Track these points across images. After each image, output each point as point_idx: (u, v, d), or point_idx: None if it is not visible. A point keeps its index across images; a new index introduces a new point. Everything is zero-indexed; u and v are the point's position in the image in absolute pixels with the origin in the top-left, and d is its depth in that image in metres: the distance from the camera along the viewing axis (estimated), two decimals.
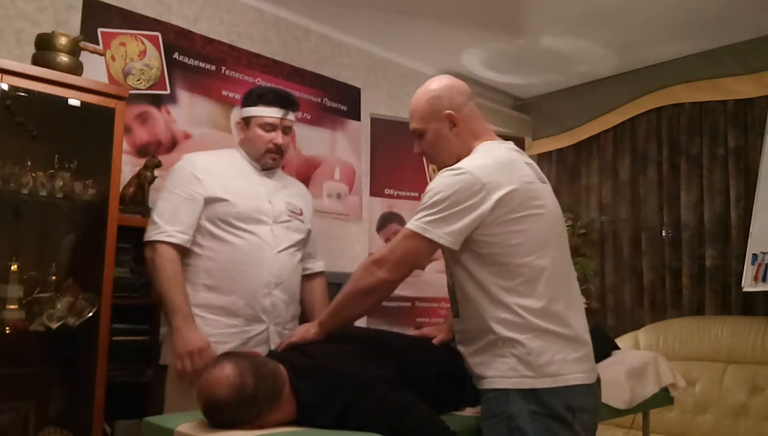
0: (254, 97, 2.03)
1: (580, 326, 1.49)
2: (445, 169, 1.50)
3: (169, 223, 1.89)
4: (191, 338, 1.78)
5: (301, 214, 2.10)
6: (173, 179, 1.96)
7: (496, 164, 1.48)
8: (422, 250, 1.46)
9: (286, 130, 2.05)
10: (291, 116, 2.06)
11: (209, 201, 1.93)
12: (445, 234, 1.42)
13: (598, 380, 1.54)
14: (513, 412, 1.38)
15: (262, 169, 2.06)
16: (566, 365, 1.41)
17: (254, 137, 2.02)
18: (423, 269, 2.94)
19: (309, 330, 1.65)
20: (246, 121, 2.04)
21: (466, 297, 1.49)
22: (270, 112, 2.01)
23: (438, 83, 1.61)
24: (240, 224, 1.92)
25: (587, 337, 1.51)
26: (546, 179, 1.63)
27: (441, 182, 1.46)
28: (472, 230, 1.42)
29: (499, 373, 1.42)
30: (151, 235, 1.89)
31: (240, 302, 1.88)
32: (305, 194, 2.24)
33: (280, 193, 2.06)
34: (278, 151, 2.04)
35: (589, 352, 1.49)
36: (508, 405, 1.39)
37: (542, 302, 1.42)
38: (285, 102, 2.04)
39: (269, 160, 2.04)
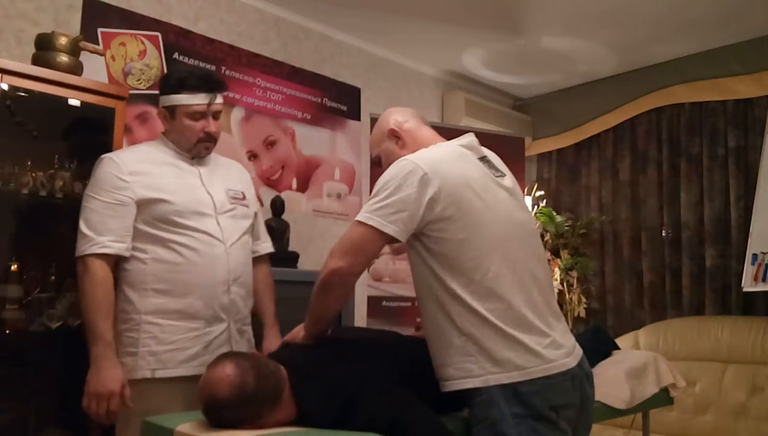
0: (174, 83, 1.82)
1: (546, 317, 1.47)
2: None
3: (100, 233, 1.71)
4: (106, 378, 1.63)
5: (243, 198, 1.95)
6: (96, 184, 1.77)
7: (438, 156, 1.51)
8: (368, 238, 1.45)
9: (216, 115, 1.86)
10: (219, 99, 1.86)
11: (142, 203, 1.75)
12: (389, 222, 1.42)
13: (588, 374, 1.52)
14: (496, 417, 1.37)
15: (192, 158, 1.90)
16: (533, 356, 1.39)
17: (182, 128, 1.83)
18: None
19: (299, 332, 1.65)
20: (170, 111, 1.84)
21: (425, 295, 1.49)
22: (196, 100, 1.80)
23: (383, 114, 1.75)
24: (183, 221, 1.76)
25: (554, 323, 1.49)
26: (504, 174, 1.62)
27: (386, 173, 1.49)
28: (419, 221, 1.43)
29: (464, 373, 1.41)
30: (83, 248, 1.71)
31: (198, 303, 1.75)
32: (243, 174, 2.06)
33: (216, 181, 1.90)
34: (211, 139, 1.87)
35: (557, 338, 1.46)
36: (491, 410, 1.38)
37: (499, 299, 1.41)
38: (211, 85, 1.84)
39: (202, 150, 1.88)
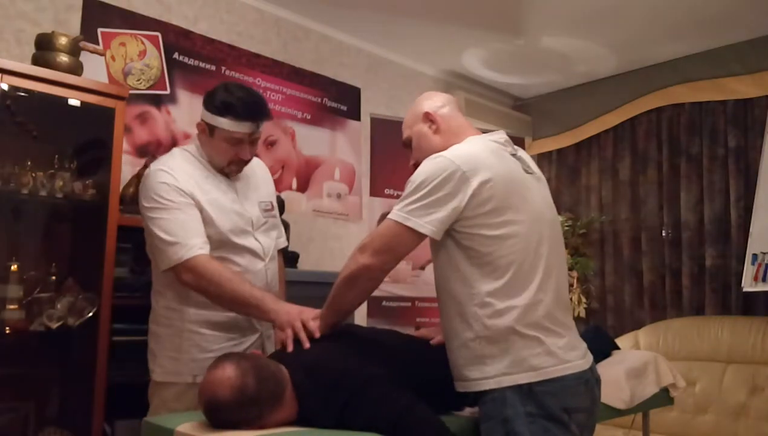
0: (220, 106, 1.77)
1: (563, 318, 1.48)
2: (427, 158, 1.51)
3: (185, 238, 1.70)
4: (287, 308, 1.68)
5: (272, 208, 1.99)
6: (159, 196, 1.74)
7: (475, 152, 1.49)
8: (403, 238, 1.44)
9: (255, 141, 1.86)
10: (261, 128, 1.84)
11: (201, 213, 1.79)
12: (426, 223, 1.41)
13: (597, 379, 1.53)
14: (509, 415, 1.37)
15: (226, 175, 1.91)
16: (548, 357, 1.39)
17: (218, 148, 1.82)
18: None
19: (309, 322, 1.62)
20: (210, 128, 1.81)
21: (449, 292, 1.49)
22: (238, 128, 1.78)
23: (420, 97, 1.74)
24: (230, 239, 1.80)
25: (569, 325, 1.50)
26: (535, 171, 1.62)
27: (421, 171, 1.47)
28: (454, 218, 1.42)
29: (480, 374, 1.41)
30: (177, 256, 1.69)
31: (239, 317, 1.81)
32: (266, 175, 2.06)
33: (250, 195, 1.93)
34: (242, 163, 1.87)
35: (572, 339, 1.47)
36: (504, 408, 1.38)
37: (525, 298, 1.41)
38: (256, 115, 1.81)
39: (232, 172, 1.88)
